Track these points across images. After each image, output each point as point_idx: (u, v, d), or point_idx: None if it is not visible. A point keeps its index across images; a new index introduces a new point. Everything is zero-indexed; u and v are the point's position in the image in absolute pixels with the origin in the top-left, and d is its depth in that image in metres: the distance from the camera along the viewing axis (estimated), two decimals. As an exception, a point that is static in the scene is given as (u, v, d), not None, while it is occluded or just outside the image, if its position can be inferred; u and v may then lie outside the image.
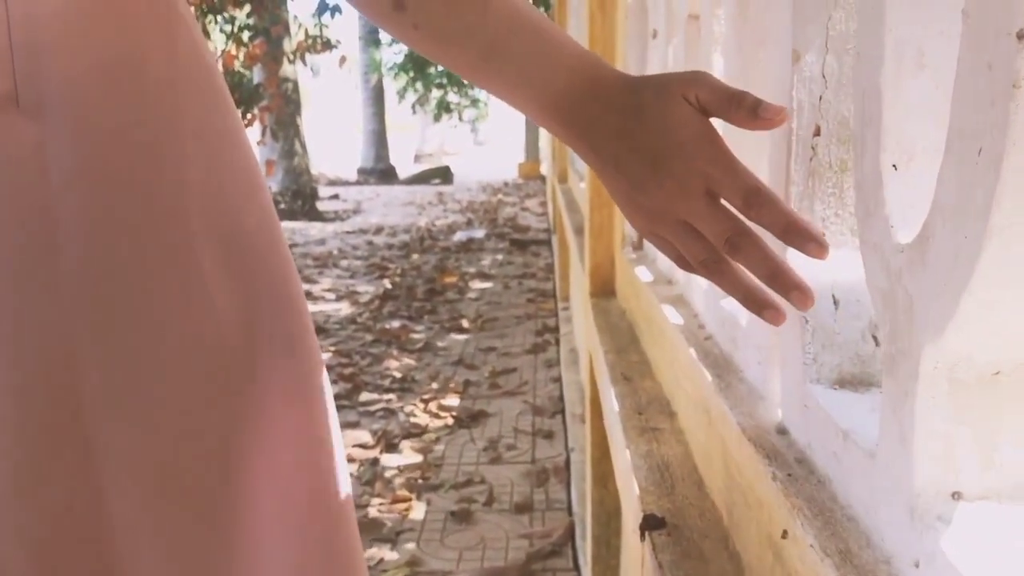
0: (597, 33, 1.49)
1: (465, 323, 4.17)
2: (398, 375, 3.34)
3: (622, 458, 0.85)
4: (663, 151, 0.48)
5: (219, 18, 6.95)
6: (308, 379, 0.52)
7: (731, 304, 0.79)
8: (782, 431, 0.59)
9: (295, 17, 7.87)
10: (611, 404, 0.98)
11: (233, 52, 7.46)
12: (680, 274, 1.04)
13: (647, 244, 1.34)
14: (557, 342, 3.74)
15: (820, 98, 0.56)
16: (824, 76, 0.56)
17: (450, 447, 2.63)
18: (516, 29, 0.50)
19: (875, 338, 0.55)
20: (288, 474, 0.49)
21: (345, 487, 0.53)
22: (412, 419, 2.85)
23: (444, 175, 13.85)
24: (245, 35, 7.34)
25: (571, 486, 2.31)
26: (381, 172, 13.73)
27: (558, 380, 3.22)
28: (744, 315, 0.73)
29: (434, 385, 3.21)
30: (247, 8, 7.20)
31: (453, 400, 3.04)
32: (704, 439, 0.75)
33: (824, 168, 0.57)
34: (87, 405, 0.41)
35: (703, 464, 0.76)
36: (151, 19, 0.45)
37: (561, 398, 3.00)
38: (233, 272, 0.47)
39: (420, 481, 2.38)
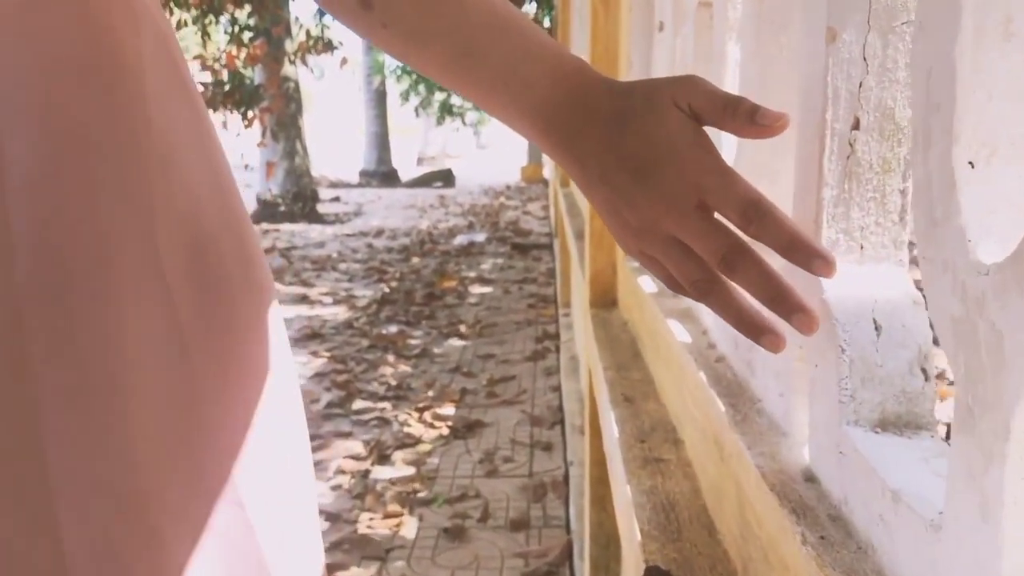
0: (600, 29, 1.41)
1: (463, 329, 4.08)
2: (393, 382, 3.25)
3: (622, 494, 0.76)
4: (652, 161, 0.44)
5: (220, 18, 6.88)
6: (281, 392, 0.48)
7: (746, 322, 0.70)
8: (811, 478, 0.50)
9: (296, 18, 7.79)
10: (611, 429, 0.89)
11: (234, 53, 7.39)
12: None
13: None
14: (557, 349, 3.65)
15: (860, 85, 0.48)
16: (865, 59, 0.47)
17: (445, 459, 2.54)
18: (493, 30, 0.47)
19: (924, 371, 0.46)
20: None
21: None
22: (406, 429, 2.76)
23: (446, 178, 13.78)
24: (246, 36, 7.27)
25: (569, 502, 2.21)
26: (383, 175, 13.66)
27: (558, 389, 3.13)
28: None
29: (430, 393, 3.12)
30: (248, 8, 7.14)
31: (449, 409, 2.95)
32: (716, 475, 0.66)
33: (863, 168, 0.49)
34: (43, 425, 0.38)
35: (714, 505, 0.67)
36: (116, 9, 0.42)
37: (560, 408, 2.91)
38: (198, 283, 0.44)
39: (412, 495, 2.29)
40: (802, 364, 0.55)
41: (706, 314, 0.84)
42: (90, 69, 0.41)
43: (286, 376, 0.49)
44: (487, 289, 5.11)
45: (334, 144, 23.17)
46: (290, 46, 7.99)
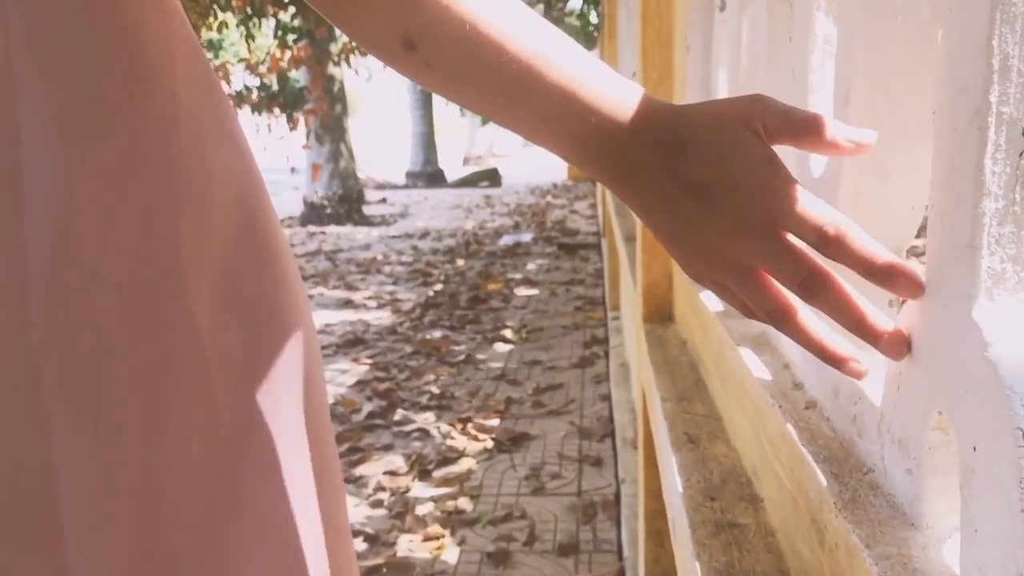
0: (652, 11, 1.26)
1: (509, 333, 3.96)
2: (436, 391, 3.15)
3: (689, 571, 0.62)
4: (719, 186, 0.42)
5: (262, 21, 6.87)
6: (314, 419, 0.48)
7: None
8: (968, 604, 0.36)
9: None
10: (673, 480, 0.75)
11: (278, 55, 7.38)
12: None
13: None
14: (606, 355, 3.50)
15: (1042, 51, 0.33)
16: (1050, 13, 0.33)
17: (489, 474, 2.42)
18: (539, 63, 0.45)
19: None
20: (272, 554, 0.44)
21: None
22: (449, 441, 2.65)
23: (492, 177, 13.68)
24: (290, 38, 7.26)
25: (621, 524, 2.07)
26: (429, 175, 13.63)
27: (607, 398, 2.99)
28: (872, 385, 0.50)
29: (474, 402, 3.00)
30: (291, 10, 7.12)
31: (493, 420, 2.83)
32: (812, 562, 0.52)
33: (1045, 170, 0.34)
34: (58, 472, 0.37)
35: (810, 597, 0.53)
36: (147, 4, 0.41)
37: (611, 419, 2.77)
38: (225, 310, 0.43)
39: (455, 514, 2.18)
40: (940, 435, 0.41)
41: (788, 345, 0.70)
42: (118, 68, 0.39)
43: (318, 407, 0.49)
44: (533, 291, 4.98)
45: (382, 145, 23.28)
46: (334, 47, 7.97)
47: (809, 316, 0.43)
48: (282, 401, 0.45)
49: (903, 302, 0.43)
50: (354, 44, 7.81)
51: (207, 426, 0.41)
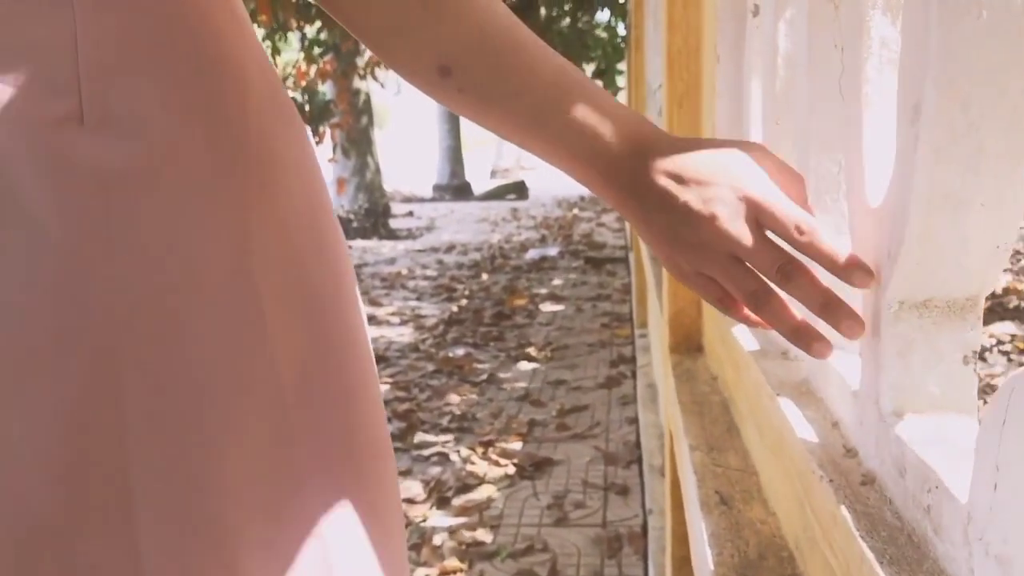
0: (679, 16, 1.17)
1: (533, 351, 3.87)
2: (457, 412, 3.06)
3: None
4: (712, 180, 0.48)
5: (288, 35, 6.88)
6: (358, 434, 0.50)
7: (909, 431, 0.46)
8: None
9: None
10: (702, 551, 0.66)
11: (304, 68, 7.38)
12: (805, 354, 0.71)
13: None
14: (633, 375, 3.40)
15: None
16: None
17: (510, 502, 2.32)
18: (561, 91, 0.50)
19: None
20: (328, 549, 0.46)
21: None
22: (469, 467, 2.56)
23: (519, 190, 13.63)
24: (315, 51, 7.26)
25: (648, 559, 1.96)
26: (456, 188, 13.60)
27: (634, 421, 2.88)
28: (948, 469, 0.40)
29: (496, 424, 2.91)
30: (317, 24, 7.11)
31: (516, 444, 2.73)
32: None
33: None
34: (131, 454, 0.39)
35: None
36: (221, 11, 0.44)
37: (637, 444, 2.66)
38: (293, 311, 0.45)
39: (473, 546, 2.08)
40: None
41: (837, 401, 0.60)
42: (192, 78, 0.42)
43: (373, 403, 0.51)
44: (559, 307, 4.88)
45: (410, 158, 23.35)
46: (360, 60, 7.96)
47: (784, 301, 0.48)
48: (337, 403, 0.48)
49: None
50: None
51: (270, 420, 0.43)
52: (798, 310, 0.49)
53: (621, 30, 11.31)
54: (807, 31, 0.70)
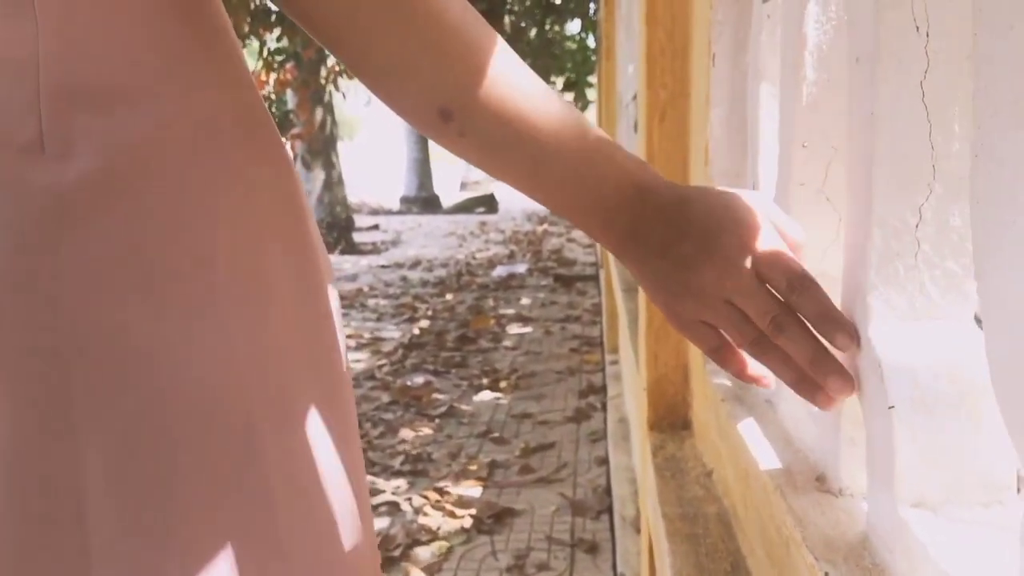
0: (661, 11, 0.93)
1: (497, 380, 3.61)
2: (412, 451, 2.79)
3: None
4: (715, 228, 0.48)
5: (246, 43, 6.59)
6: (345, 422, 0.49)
7: None
8: None
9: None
10: None
11: (263, 77, 7.09)
12: (821, 448, 0.47)
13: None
14: (603, 406, 3.16)
15: None
16: None
17: (465, 563, 2.07)
18: (562, 138, 0.49)
19: None
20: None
21: None
22: (421, 519, 2.29)
23: (489, 203, 13.40)
24: (276, 59, 6.97)
25: (620, 636, 1.72)
26: (424, 201, 13.34)
27: (604, 462, 2.64)
28: None
29: (454, 466, 2.65)
30: (277, 31, 6.83)
31: (474, 489, 2.47)
32: None
33: None
34: (85, 474, 0.38)
35: None
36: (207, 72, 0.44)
37: (608, 491, 2.42)
38: (254, 330, 0.43)
39: (421, 619, 1.82)
40: None
41: (883, 531, 0.36)
42: (162, 101, 0.41)
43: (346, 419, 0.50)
44: (526, 329, 4.64)
45: (379, 170, 23.04)
46: (324, 69, 7.68)
47: (783, 350, 0.48)
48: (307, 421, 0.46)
49: None
50: (341, 67, 7.54)
51: (234, 439, 0.42)
52: None
53: (591, 42, 11.15)
54: (863, 10, 0.46)
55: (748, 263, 0.48)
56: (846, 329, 0.47)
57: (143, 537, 0.39)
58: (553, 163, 0.49)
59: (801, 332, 0.47)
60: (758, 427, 0.65)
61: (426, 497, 2.42)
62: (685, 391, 0.93)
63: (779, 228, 0.50)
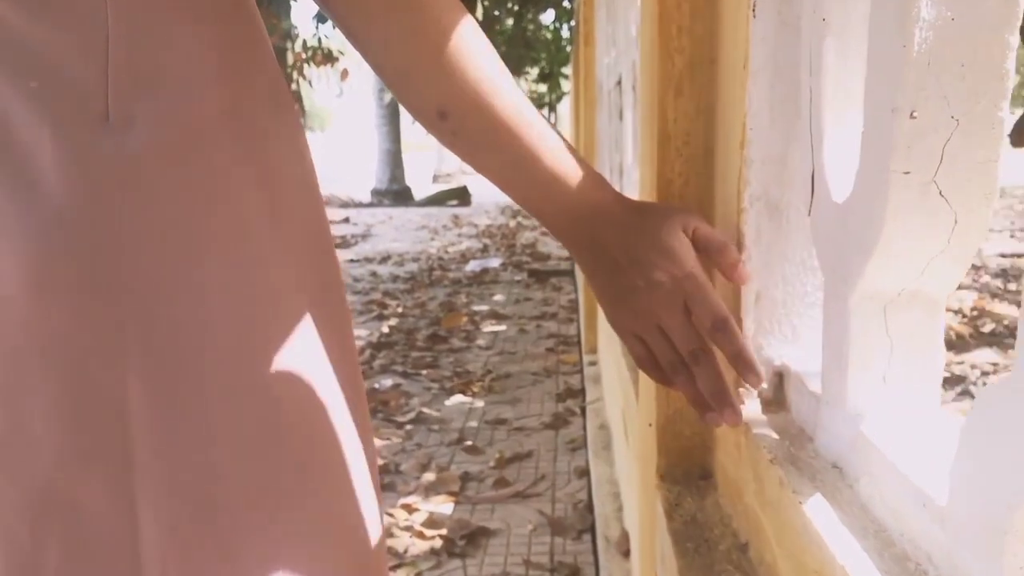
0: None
1: (470, 382, 3.43)
2: (380, 461, 2.60)
3: None
4: (658, 265, 0.57)
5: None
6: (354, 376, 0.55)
7: None
8: None
9: (294, 27, 7.19)
10: None
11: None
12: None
13: (794, 396, 0.60)
14: (583, 411, 2.99)
15: None
16: None
17: (435, 591, 1.88)
18: (539, 150, 0.57)
19: None
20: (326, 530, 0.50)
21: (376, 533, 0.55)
22: (388, 540, 2.10)
23: (462, 196, 13.19)
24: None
25: None
26: (396, 193, 13.09)
27: (585, 473, 2.46)
28: None
29: (423, 480, 2.46)
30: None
31: (446, 505, 2.29)
32: None
33: None
34: (133, 422, 0.43)
35: None
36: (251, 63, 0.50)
37: (590, 507, 2.24)
38: (301, 290, 0.50)
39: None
40: None
41: None
42: (213, 87, 0.47)
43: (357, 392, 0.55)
44: (500, 327, 4.45)
45: (350, 162, 22.66)
46: (290, 58, 7.41)
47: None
48: (334, 386, 0.51)
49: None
50: (307, 56, 7.29)
51: (264, 412, 0.47)
52: None
53: (565, 32, 10.95)
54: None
55: (681, 298, 0.57)
56: (756, 371, 0.57)
57: (180, 448, 0.44)
58: (528, 171, 0.57)
59: (711, 368, 0.57)
60: (828, 504, 0.47)
61: (393, 516, 2.23)
62: (704, 431, 0.75)
63: (712, 254, 0.59)
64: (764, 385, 0.63)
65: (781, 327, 0.63)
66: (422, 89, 0.55)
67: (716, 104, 0.69)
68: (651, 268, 0.56)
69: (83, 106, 0.43)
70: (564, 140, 0.59)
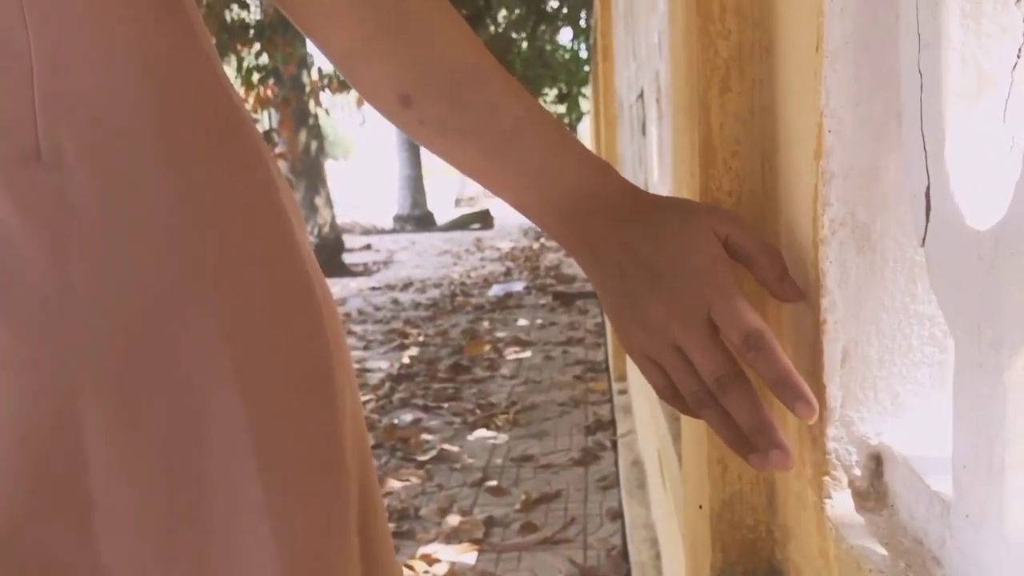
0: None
1: (494, 414, 3.27)
2: (398, 505, 2.45)
3: None
4: (674, 271, 0.46)
5: (224, 58, 6.28)
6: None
7: None
8: None
9: (310, 55, 7.14)
10: None
11: (243, 96, 6.77)
12: None
13: (894, 491, 0.44)
14: (614, 445, 2.81)
15: None
16: None
17: (457, 655, 1.72)
18: (521, 129, 0.50)
19: None
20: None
21: None
22: (405, 596, 1.95)
23: (484, 219, 13.09)
24: (254, 77, 6.66)
25: None
26: (418, 219, 13.02)
27: (618, 516, 2.29)
28: None
29: (444, 525, 2.30)
30: (256, 47, 6.53)
31: (468, 555, 2.13)
32: None
33: None
34: (90, 459, 0.39)
35: None
36: (181, 68, 0.44)
37: (624, 554, 2.07)
38: (249, 336, 0.43)
39: None
40: None
41: None
42: (152, 125, 0.42)
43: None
44: (525, 354, 4.29)
45: (372, 189, 22.72)
46: (307, 85, 7.36)
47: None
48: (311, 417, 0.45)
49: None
50: (324, 82, 7.24)
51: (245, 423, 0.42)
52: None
53: (583, 53, 10.85)
54: None
55: (703, 311, 0.45)
56: (806, 398, 0.43)
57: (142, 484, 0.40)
58: (511, 157, 0.50)
59: (746, 399, 0.44)
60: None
61: (412, 568, 2.07)
62: (771, 519, 0.59)
63: (752, 264, 0.47)
64: (857, 472, 0.47)
65: (878, 395, 0.47)
66: (378, 71, 0.49)
67: (776, 102, 0.53)
68: (662, 273, 0.46)
69: (12, 145, 0.39)
70: (558, 121, 0.51)
